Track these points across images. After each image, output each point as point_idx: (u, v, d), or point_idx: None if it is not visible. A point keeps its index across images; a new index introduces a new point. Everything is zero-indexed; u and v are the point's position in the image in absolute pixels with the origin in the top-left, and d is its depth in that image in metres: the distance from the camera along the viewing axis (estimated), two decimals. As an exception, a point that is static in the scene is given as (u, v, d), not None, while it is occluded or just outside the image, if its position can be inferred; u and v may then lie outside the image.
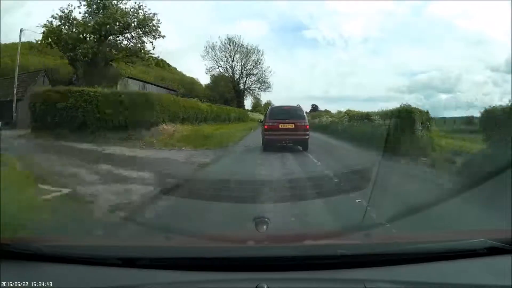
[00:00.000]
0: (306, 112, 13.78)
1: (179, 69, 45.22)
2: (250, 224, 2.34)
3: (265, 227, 2.17)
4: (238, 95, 46.22)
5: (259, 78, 46.92)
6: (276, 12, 60.18)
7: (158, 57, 23.12)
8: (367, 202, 3.73)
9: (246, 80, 47.30)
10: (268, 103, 44.47)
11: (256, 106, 52.60)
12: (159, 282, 1.39)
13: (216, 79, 44.58)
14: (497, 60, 52.67)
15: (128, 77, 23.73)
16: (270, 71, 46.05)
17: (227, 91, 44.86)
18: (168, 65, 42.95)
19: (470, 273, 1.48)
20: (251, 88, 48.23)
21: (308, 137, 11.25)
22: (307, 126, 11.36)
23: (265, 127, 11.40)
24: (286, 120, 11.13)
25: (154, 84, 28.67)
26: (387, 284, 1.37)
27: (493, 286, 1.41)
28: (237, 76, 46.75)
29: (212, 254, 1.57)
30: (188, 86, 37.78)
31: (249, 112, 47.94)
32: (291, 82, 58.82)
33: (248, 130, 22.14)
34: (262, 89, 47.91)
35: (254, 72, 45.98)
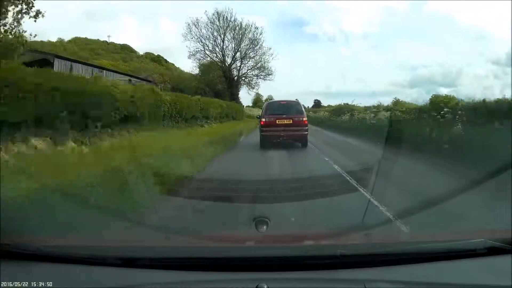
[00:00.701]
0: (305, 107, 14.62)
1: (178, 66, 41.72)
2: (250, 224, 2.34)
3: (265, 227, 2.17)
4: (230, 84, 35.42)
5: (257, 63, 36.11)
6: (277, 7, 60.12)
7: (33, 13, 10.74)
8: None
9: (240, 66, 36.12)
10: (270, 98, 36.15)
11: (257, 101, 44.71)
12: (159, 282, 1.39)
13: (205, 67, 35.42)
14: (497, 53, 52.72)
15: (57, 56, 16.30)
16: (272, 54, 35.31)
17: (219, 81, 35.47)
18: (165, 60, 40.86)
19: (470, 273, 1.48)
20: (247, 75, 36.85)
21: (306, 133, 10.97)
22: (306, 122, 11.07)
23: (262, 123, 11.07)
24: (284, 116, 10.81)
25: (116, 72, 21.67)
26: (387, 284, 1.37)
27: (493, 286, 1.41)
28: (228, 60, 35.77)
29: (212, 254, 1.57)
30: (186, 82, 33.99)
31: (248, 107, 40.58)
32: (292, 78, 58.20)
33: (232, 140, 13.03)
34: (262, 77, 36.59)
35: (251, 54, 35.59)
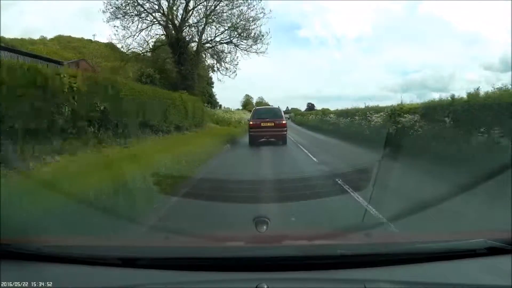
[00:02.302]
0: (284, 112, 15.68)
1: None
2: (250, 224, 2.34)
3: (265, 227, 2.17)
4: (179, 59, 19.32)
5: (233, 21, 19.85)
6: (270, 10, 59.81)
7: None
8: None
9: (204, 25, 19.96)
10: (260, 99, 34.38)
11: (247, 104, 41.30)
12: (159, 282, 1.39)
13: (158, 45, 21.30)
14: (490, 58, 52.35)
15: None
16: (263, 9, 19.86)
17: (170, 58, 20.65)
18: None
19: (470, 273, 1.48)
20: (215, 42, 20.71)
21: (285, 133, 13.34)
22: (284, 124, 13.48)
23: (250, 125, 13.51)
24: (267, 119, 13.21)
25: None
26: (387, 284, 1.37)
27: (493, 286, 1.41)
28: (179, 15, 19.83)
29: (212, 254, 1.57)
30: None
31: (236, 110, 34.59)
32: (285, 81, 58.17)
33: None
34: (243, 45, 20.47)
35: (224, 7, 19.75)
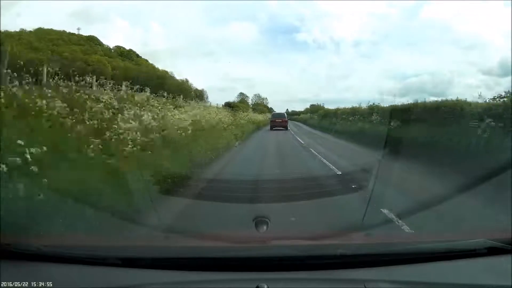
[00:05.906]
0: (286, 114, 29.81)
1: (168, 70, 31.15)
2: (250, 224, 2.34)
3: (265, 227, 2.17)
4: None
5: None
6: (267, 14, 59.85)
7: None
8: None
9: None
10: (257, 99, 40.46)
11: (242, 102, 39.24)
12: (159, 282, 1.39)
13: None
14: (489, 63, 52.04)
15: None
16: None
17: None
18: (137, 55, 31.73)
19: (470, 273, 1.48)
20: None
21: (287, 124, 26.07)
22: (286, 121, 26.62)
23: (270, 121, 26.86)
24: (278, 118, 26.82)
25: None
26: (387, 284, 1.37)
27: (493, 286, 1.41)
28: None
29: (212, 254, 1.57)
30: (159, 80, 25.86)
31: (232, 109, 28.39)
32: (283, 85, 58.86)
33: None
34: None
35: None
